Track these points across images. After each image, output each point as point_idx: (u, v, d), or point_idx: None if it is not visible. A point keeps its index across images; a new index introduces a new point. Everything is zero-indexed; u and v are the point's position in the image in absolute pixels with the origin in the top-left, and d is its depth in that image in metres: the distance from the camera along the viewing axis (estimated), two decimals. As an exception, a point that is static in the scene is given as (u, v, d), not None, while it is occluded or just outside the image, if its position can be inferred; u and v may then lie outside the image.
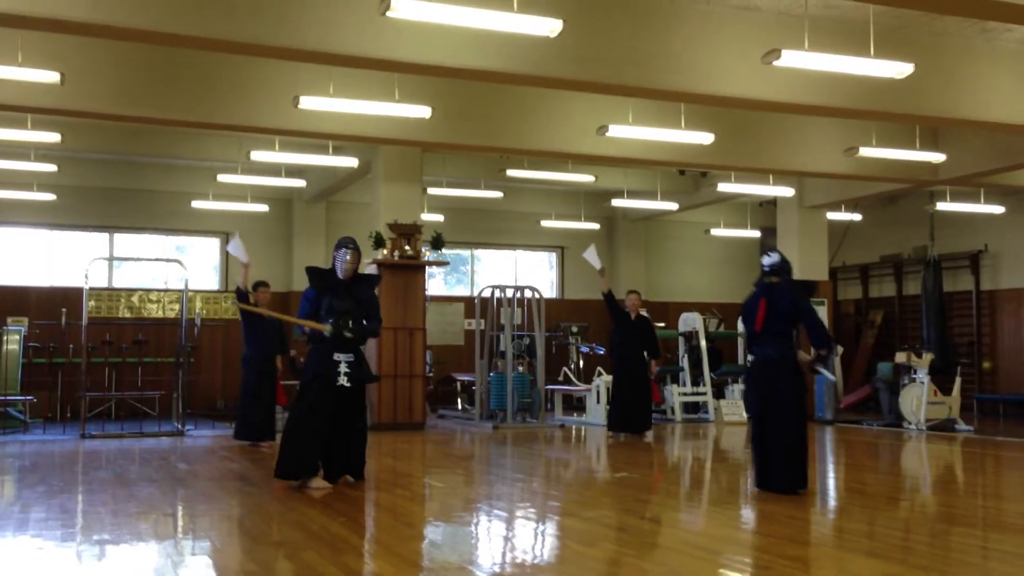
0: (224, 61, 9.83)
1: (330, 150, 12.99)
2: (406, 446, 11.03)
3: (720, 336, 16.68)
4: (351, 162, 12.80)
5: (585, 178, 14.97)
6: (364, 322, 7.54)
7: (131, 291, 15.75)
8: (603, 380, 13.90)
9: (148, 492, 7.39)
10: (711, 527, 6.38)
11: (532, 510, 6.87)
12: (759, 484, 7.25)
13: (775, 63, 8.05)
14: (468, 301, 16.86)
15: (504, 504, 7.14)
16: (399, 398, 12.86)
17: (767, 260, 7.49)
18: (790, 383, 7.19)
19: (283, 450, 7.41)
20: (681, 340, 15.70)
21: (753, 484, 7.33)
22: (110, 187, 15.63)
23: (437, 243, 13.45)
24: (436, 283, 17.80)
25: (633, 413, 11.81)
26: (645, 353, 11.94)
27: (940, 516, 6.78)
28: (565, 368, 16.34)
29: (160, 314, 15.73)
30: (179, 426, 12.40)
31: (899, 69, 8.33)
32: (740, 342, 16.18)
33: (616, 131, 10.63)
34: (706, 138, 10.99)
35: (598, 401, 14.01)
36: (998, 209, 15.50)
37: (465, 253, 18.43)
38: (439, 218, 15.93)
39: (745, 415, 14.56)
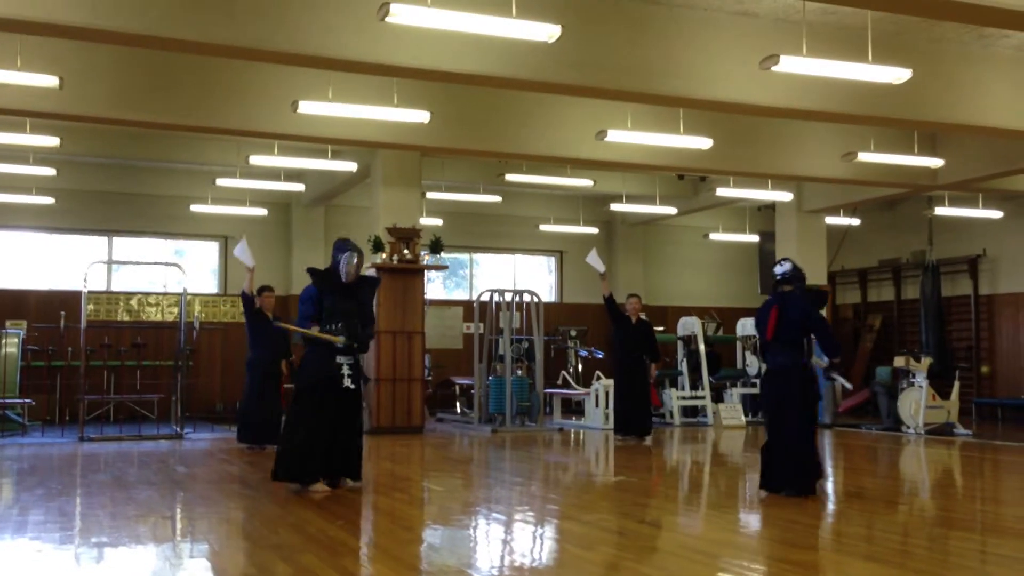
0: (223, 65, 9.84)
1: (329, 154, 12.99)
2: (405, 450, 11.03)
3: (719, 340, 16.69)
4: (350, 166, 12.81)
5: (584, 182, 14.99)
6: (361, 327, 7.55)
7: (130, 294, 15.74)
8: (602, 384, 13.91)
9: (146, 495, 7.39)
10: (710, 531, 6.39)
11: (531, 514, 6.87)
12: (765, 486, 7.28)
13: (773, 68, 8.06)
14: (467, 305, 16.86)
15: (503, 508, 7.14)
16: (398, 402, 12.86)
17: (779, 269, 7.52)
18: (802, 391, 7.27)
19: (283, 452, 7.41)
20: (680, 344, 15.72)
21: (760, 487, 7.35)
22: (109, 191, 15.63)
23: (436, 247, 13.45)
24: (435, 287, 17.81)
25: (633, 417, 11.82)
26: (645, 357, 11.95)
27: (938, 520, 6.78)
28: (564, 372, 16.34)
29: (159, 317, 15.72)
30: (178, 429, 12.40)
31: (897, 75, 8.35)
32: (739, 346, 16.20)
33: (615, 136, 10.64)
34: (705, 143, 11.01)
35: (597, 405, 14.01)
36: (996, 214, 15.52)
37: (464, 257, 18.43)
38: (438, 222, 15.94)
39: (743, 419, 14.62)
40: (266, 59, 8.13)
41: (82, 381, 12.30)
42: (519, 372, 13.83)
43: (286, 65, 8.87)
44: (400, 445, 11.40)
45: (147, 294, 15.83)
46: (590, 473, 9.91)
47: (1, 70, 8.26)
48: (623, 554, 5.52)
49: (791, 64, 8.05)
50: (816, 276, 15.44)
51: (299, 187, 15.29)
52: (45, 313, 14.60)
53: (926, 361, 13.38)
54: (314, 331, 7.34)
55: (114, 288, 15.85)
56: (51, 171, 13.48)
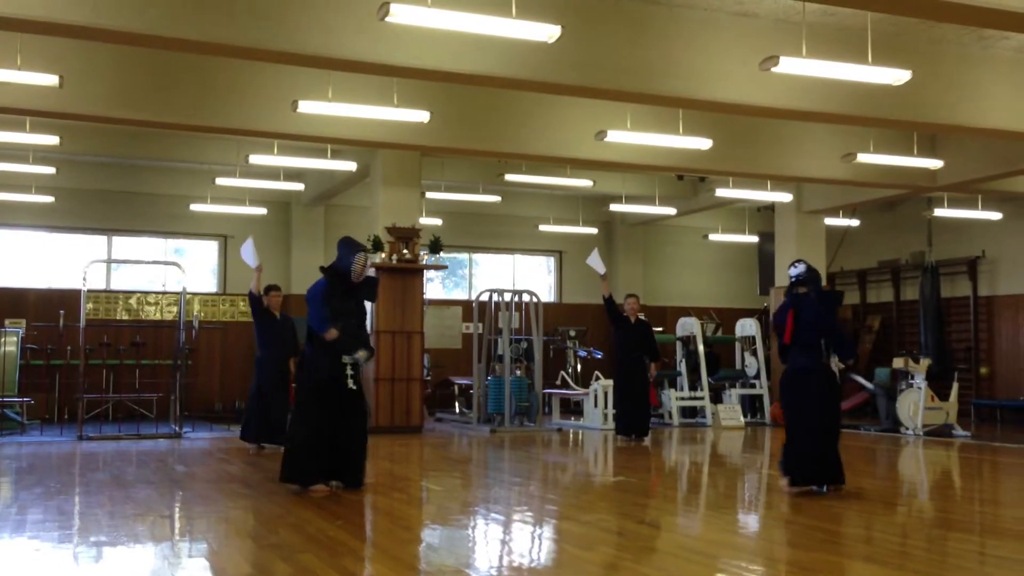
0: (223, 65, 9.84)
1: (329, 154, 12.99)
2: (404, 449, 11.03)
3: (718, 341, 16.70)
4: (349, 166, 12.81)
5: (583, 183, 14.99)
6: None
7: (129, 293, 15.74)
8: (601, 384, 13.91)
9: (145, 494, 7.39)
10: (709, 531, 6.39)
11: (529, 514, 6.87)
12: (787, 472, 7.44)
13: (773, 69, 8.06)
14: (466, 305, 16.87)
15: (501, 508, 7.15)
16: (397, 401, 12.86)
17: (793, 271, 7.54)
18: (822, 391, 7.36)
19: (291, 453, 7.38)
20: (679, 345, 15.72)
21: (787, 483, 7.46)
22: (108, 190, 15.63)
23: (435, 247, 13.46)
24: (434, 287, 17.81)
25: (632, 417, 11.83)
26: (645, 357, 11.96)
27: (937, 521, 6.79)
28: (563, 372, 16.34)
29: (158, 316, 15.72)
30: (176, 428, 12.40)
31: (897, 76, 8.36)
32: (737, 347, 16.21)
33: (614, 136, 10.64)
34: (704, 143, 11.01)
35: (596, 405, 14.02)
36: (995, 215, 15.53)
37: (463, 257, 18.43)
38: (437, 222, 15.94)
39: (742, 420, 14.62)
40: (266, 59, 8.14)
41: (81, 380, 12.30)
42: (518, 372, 13.83)
43: (286, 65, 8.87)
44: (399, 445, 11.40)
45: (146, 293, 15.83)
46: (589, 473, 9.91)
47: (1, 69, 8.26)
48: (622, 554, 5.52)
49: (791, 65, 8.05)
50: (816, 277, 15.44)
51: (299, 186, 15.30)
52: (44, 312, 14.60)
53: (925, 362, 13.39)
54: (351, 351, 7.34)
55: (113, 287, 15.84)
56: (51, 170, 13.47)
